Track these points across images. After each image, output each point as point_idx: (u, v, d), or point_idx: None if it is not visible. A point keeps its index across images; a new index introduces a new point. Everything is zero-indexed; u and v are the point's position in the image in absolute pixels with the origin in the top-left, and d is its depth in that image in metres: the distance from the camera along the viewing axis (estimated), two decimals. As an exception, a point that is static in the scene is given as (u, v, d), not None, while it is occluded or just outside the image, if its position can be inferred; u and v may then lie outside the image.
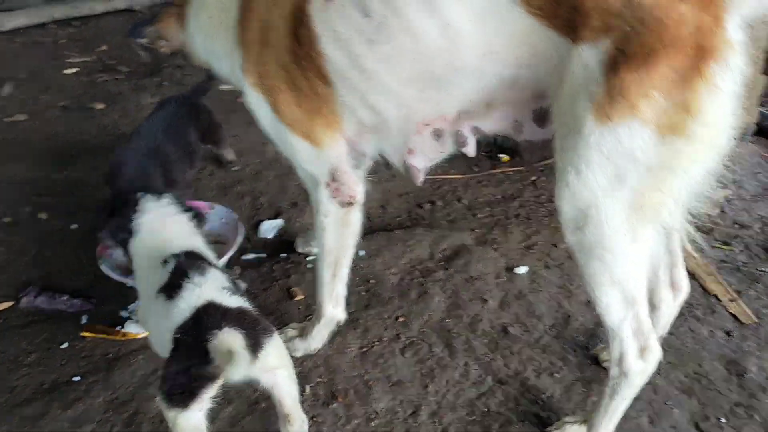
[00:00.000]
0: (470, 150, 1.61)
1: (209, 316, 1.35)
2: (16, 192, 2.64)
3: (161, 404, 1.33)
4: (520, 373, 1.78)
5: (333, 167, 1.63)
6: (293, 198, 2.60)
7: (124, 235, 1.69)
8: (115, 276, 2.02)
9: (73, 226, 2.44)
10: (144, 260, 1.61)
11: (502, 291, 2.07)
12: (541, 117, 1.51)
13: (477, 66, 1.40)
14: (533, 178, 2.70)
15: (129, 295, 2.06)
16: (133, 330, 1.93)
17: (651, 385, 1.72)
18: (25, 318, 2.02)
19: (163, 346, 1.47)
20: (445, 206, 2.57)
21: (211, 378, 1.30)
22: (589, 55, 1.24)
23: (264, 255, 2.29)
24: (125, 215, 1.68)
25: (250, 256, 2.28)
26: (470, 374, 1.78)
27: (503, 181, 2.71)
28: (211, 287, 1.45)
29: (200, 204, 2.25)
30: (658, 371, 1.75)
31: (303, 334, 1.84)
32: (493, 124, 1.56)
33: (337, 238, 1.72)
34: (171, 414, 1.32)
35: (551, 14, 1.28)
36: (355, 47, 1.43)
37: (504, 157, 2.84)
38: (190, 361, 1.30)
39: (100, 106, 3.39)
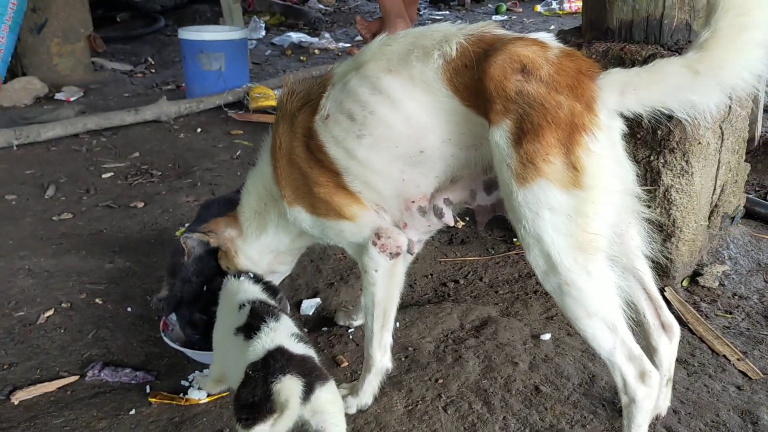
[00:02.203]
0: (448, 220, 1.96)
1: (277, 361, 1.61)
2: (71, 281, 2.85)
3: (235, 422, 1.60)
4: (555, 426, 1.95)
5: (374, 228, 1.93)
6: (328, 279, 2.83)
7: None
8: (176, 346, 2.22)
9: (128, 309, 2.64)
10: (225, 303, 1.98)
11: (531, 355, 2.27)
12: (489, 186, 1.90)
13: (438, 150, 1.80)
14: (546, 258, 2.94)
15: (187, 366, 2.25)
16: (195, 396, 2.09)
17: (674, 433, 1.91)
18: (92, 390, 2.18)
19: (235, 378, 1.69)
20: (468, 285, 2.80)
21: (269, 412, 1.55)
22: (498, 134, 1.63)
23: (306, 330, 2.48)
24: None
25: (294, 331, 2.47)
26: (509, 427, 1.95)
27: (518, 262, 2.95)
28: (282, 333, 1.72)
29: (249, 284, 2.47)
30: (679, 420, 1.95)
31: (353, 391, 2.02)
32: (457, 195, 1.93)
33: (386, 290, 1.98)
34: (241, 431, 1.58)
35: (475, 104, 1.69)
36: (349, 144, 1.84)
37: (517, 241, 3.10)
38: (254, 396, 1.56)
39: (140, 204, 3.66)
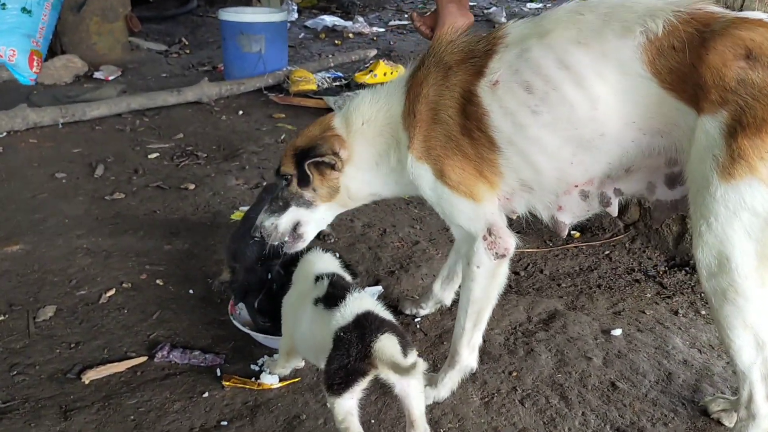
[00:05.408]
0: (613, 210, 1.86)
1: (371, 322, 1.63)
2: (130, 261, 2.85)
3: (324, 391, 1.64)
4: (636, 423, 1.92)
5: (489, 222, 1.86)
6: (388, 267, 2.80)
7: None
8: (246, 330, 2.22)
9: (190, 291, 2.63)
10: (300, 273, 2.00)
11: (603, 350, 2.23)
12: (672, 180, 1.76)
13: (620, 133, 1.67)
14: (607, 252, 2.90)
15: (255, 350, 2.24)
16: (268, 381, 2.08)
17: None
18: (161, 371, 2.18)
19: (312, 349, 1.76)
20: (529, 277, 2.76)
21: (364, 372, 1.58)
22: (710, 125, 1.49)
23: (370, 318, 2.46)
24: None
25: (358, 319, 2.45)
26: (589, 423, 1.92)
27: (578, 255, 2.91)
28: (368, 301, 1.75)
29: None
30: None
31: (431, 383, 1.99)
32: (631, 186, 1.81)
33: (485, 290, 1.93)
34: (330, 400, 1.62)
35: (680, 88, 1.55)
36: (521, 118, 1.71)
37: (575, 234, 3.06)
38: (349, 356, 1.57)
39: (191, 186, 3.65)
